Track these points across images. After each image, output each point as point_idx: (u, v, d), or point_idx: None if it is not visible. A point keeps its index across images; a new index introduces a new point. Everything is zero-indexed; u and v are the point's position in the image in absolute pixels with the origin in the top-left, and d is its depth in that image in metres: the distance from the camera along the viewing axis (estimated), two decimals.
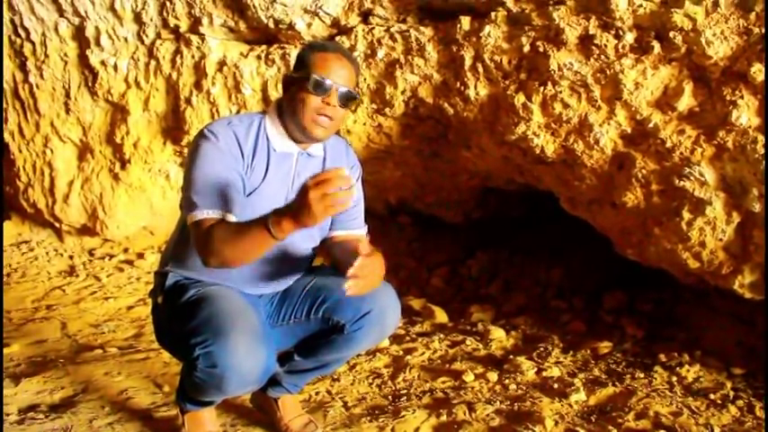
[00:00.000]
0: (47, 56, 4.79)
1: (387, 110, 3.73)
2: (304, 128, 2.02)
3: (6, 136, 5.31)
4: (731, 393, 2.79)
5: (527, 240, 5.01)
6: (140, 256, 5.32)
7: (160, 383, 2.88)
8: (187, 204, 1.98)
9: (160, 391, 2.81)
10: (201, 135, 2.01)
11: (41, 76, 4.88)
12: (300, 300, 2.18)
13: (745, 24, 2.63)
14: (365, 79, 3.69)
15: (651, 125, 2.91)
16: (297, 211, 1.70)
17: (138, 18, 4.36)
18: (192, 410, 2.22)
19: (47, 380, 2.90)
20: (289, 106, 2.05)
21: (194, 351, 1.86)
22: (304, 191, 1.66)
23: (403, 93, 3.62)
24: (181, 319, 2.00)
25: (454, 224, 5.24)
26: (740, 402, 2.70)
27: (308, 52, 2.06)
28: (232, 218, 1.95)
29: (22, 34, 4.74)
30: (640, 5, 2.83)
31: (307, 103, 1.99)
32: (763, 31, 2.59)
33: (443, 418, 2.54)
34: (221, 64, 4.25)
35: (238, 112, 4.26)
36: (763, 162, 2.61)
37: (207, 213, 1.92)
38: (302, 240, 2.18)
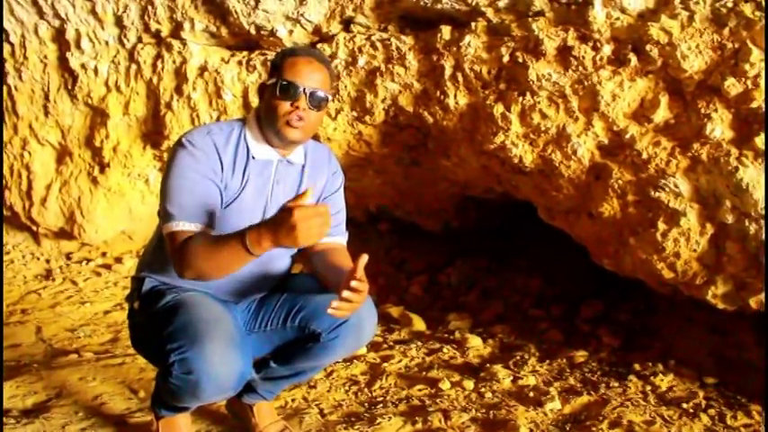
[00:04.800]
0: (26, 58, 4.75)
1: (367, 118, 3.75)
2: (278, 132, 2.02)
3: None
4: (703, 402, 2.83)
5: (506, 250, 5.04)
6: (118, 260, 5.29)
7: (135, 389, 2.86)
8: (163, 215, 1.98)
9: (135, 397, 2.79)
10: (180, 144, 2.00)
11: (20, 77, 4.85)
12: (277, 307, 2.17)
13: (719, 39, 2.68)
14: (345, 87, 3.70)
15: (628, 136, 2.95)
16: (278, 230, 1.72)
17: (119, 22, 4.34)
18: (166, 416, 2.20)
19: (19, 384, 2.87)
20: (264, 114, 2.06)
21: (170, 357, 1.86)
22: (288, 211, 1.69)
23: (383, 101, 3.64)
24: (157, 324, 1.99)
25: (433, 232, 5.25)
26: (712, 411, 2.73)
27: (279, 59, 2.07)
28: (209, 230, 1.96)
29: (1, 36, 4.70)
30: (618, 18, 2.87)
31: (277, 110, 1.99)
32: (737, 45, 2.64)
33: (419, 425, 2.54)
34: (202, 69, 4.25)
35: (219, 117, 4.25)
36: (736, 174, 2.65)
37: (183, 225, 1.93)
38: (281, 248, 2.18)
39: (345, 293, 1.83)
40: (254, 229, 1.78)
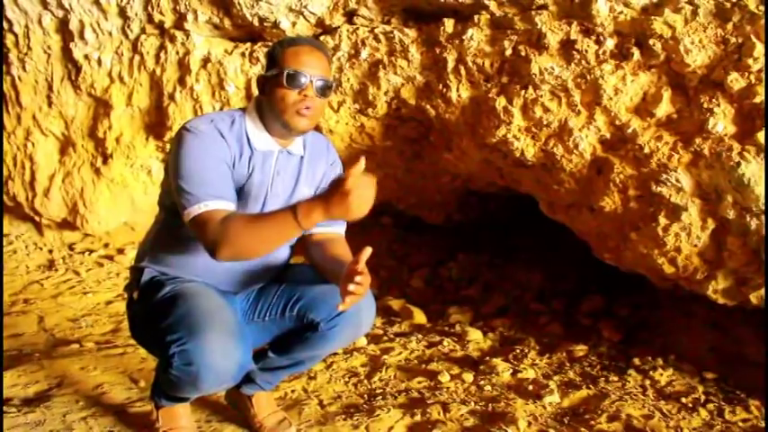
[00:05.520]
0: (30, 48, 4.75)
1: (369, 110, 3.74)
2: (286, 123, 2.01)
3: None
4: (702, 397, 2.83)
5: (507, 243, 5.04)
6: (121, 251, 5.30)
7: (136, 378, 2.88)
8: (182, 198, 1.91)
9: (136, 387, 2.81)
10: (185, 130, 1.98)
11: (24, 68, 4.85)
12: (276, 297, 2.18)
13: (723, 34, 2.67)
14: (348, 79, 3.70)
15: (630, 131, 2.94)
16: (330, 200, 1.73)
17: (122, 12, 4.34)
18: (166, 406, 2.21)
19: (21, 374, 2.88)
20: (268, 105, 2.04)
21: (170, 349, 1.86)
22: (340, 182, 1.70)
23: (386, 93, 3.64)
24: (156, 315, 1.99)
25: (436, 226, 5.26)
26: (711, 406, 2.73)
27: (277, 49, 2.05)
28: (233, 207, 1.93)
29: (5, 26, 4.70)
30: (621, 12, 2.86)
31: (285, 99, 1.98)
32: (740, 40, 2.63)
33: (418, 417, 2.55)
34: (205, 61, 4.25)
35: (222, 109, 4.25)
36: (738, 170, 2.64)
37: (210, 205, 1.88)
38: None
39: (351, 287, 1.82)
40: (303, 205, 1.79)
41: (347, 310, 1.97)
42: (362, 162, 1.71)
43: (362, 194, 1.70)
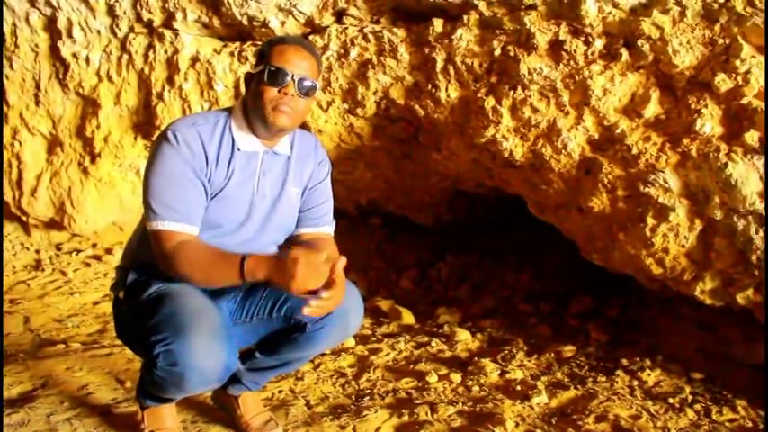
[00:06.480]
0: (17, 46, 4.72)
1: (358, 110, 3.74)
2: (265, 119, 2.00)
3: None
4: (690, 397, 2.83)
5: (496, 244, 5.04)
6: (108, 251, 5.27)
7: (122, 379, 2.86)
8: (147, 211, 1.98)
9: (121, 387, 2.79)
10: (164, 136, 1.99)
11: (11, 66, 4.81)
12: (263, 298, 2.17)
13: (711, 35, 2.68)
14: (337, 79, 3.69)
15: (618, 131, 2.94)
16: (276, 270, 1.82)
17: (111, 11, 4.31)
18: (151, 406, 2.20)
19: (5, 374, 2.85)
20: (250, 102, 2.04)
21: (155, 349, 1.85)
22: (294, 258, 1.79)
23: (375, 93, 3.63)
24: (142, 315, 1.98)
25: (425, 226, 5.25)
26: (698, 406, 2.74)
27: (266, 47, 2.05)
28: (194, 230, 1.98)
29: None
30: (610, 13, 2.87)
31: (264, 96, 1.97)
32: (728, 41, 2.64)
33: (405, 418, 2.54)
34: (194, 60, 4.23)
35: (210, 108, 4.23)
36: (725, 170, 2.65)
37: (170, 226, 1.94)
38: (268, 239, 2.18)
39: (313, 302, 1.85)
40: (254, 258, 1.86)
41: (311, 313, 1.97)
42: (342, 261, 1.89)
43: (307, 276, 1.80)
